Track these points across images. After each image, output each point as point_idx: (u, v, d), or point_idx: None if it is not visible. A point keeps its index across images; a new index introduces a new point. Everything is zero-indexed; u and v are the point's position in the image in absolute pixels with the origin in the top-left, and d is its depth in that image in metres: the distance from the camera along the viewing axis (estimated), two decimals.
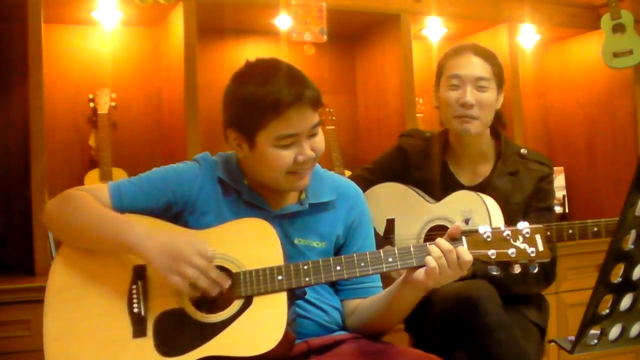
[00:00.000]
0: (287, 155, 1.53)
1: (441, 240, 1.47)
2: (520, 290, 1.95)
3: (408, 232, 2.08)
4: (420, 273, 1.48)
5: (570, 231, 1.94)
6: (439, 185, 2.09)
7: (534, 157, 2.10)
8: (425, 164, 2.12)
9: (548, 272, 2.00)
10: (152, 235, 1.46)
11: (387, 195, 2.12)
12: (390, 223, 2.10)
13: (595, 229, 1.94)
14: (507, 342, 1.70)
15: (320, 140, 1.59)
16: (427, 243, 1.49)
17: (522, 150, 2.10)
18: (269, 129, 1.51)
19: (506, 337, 1.71)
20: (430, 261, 1.45)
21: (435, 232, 2.01)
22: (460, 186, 2.08)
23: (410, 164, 2.15)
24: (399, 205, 2.09)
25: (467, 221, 1.90)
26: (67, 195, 1.58)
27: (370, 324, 1.64)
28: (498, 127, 2.13)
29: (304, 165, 1.55)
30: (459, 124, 2.02)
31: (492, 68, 2.05)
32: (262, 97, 1.49)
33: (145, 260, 1.46)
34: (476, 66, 2.03)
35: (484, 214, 1.88)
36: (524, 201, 2.03)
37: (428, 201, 2.07)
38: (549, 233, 1.94)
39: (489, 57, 2.07)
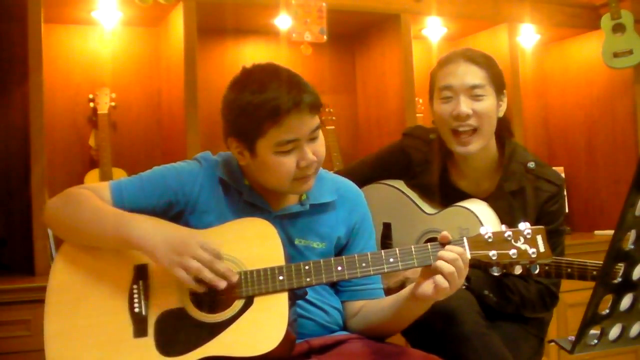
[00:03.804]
0: (289, 161, 1.53)
1: (444, 253, 1.45)
2: (514, 312, 1.88)
3: (405, 240, 2.02)
4: (428, 289, 1.46)
5: (569, 270, 1.86)
6: (440, 192, 1.99)
7: (542, 174, 1.91)
8: (426, 169, 2.02)
9: (545, 299, 1.90)
10: (156, 229, 1.46)
11: (381, 197, 2.03)
12: (387, 227, 2.05)
13: (595, 272, 1.84)
14: (484, 351, 1.67)
15: (321, 144, 1.58)
16: (429, 244, 1.49)
17: (530, 164, 1.92)
18: (268, 136, 1.51)
19: (482, 345, 1.67)
20: (442, 282, 1.43)
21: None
22: (462, 195, 1.96)
23: (413, 167, 2.05)
24: (394, 211, 2.02)
25: None
26: (68, 193, 1.58)
27: (375, 329, 1.64)
28: (504, 135, 1.96)
29: (307, 170, 1.55)
30: (457, 146, 1.89)
31: (488, 73, 1.88)
32: (259, 106, 1.49)
33: (149, 255, 1.45)
34: (469, 73, 1.86)
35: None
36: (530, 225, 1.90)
37: (424, 211, 2.00)
38: (547, 268, 1.84)
39: (483, 62, 1.89)
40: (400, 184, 2.09)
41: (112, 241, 1.49)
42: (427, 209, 2.01)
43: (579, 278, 1.88)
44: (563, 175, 3.77)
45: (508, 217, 1.86)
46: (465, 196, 1.97)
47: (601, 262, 1.86)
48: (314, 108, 1.53)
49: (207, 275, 1.42)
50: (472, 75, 1.87)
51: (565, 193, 3.50)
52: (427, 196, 2.03)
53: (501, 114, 1.93)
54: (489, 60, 1.92)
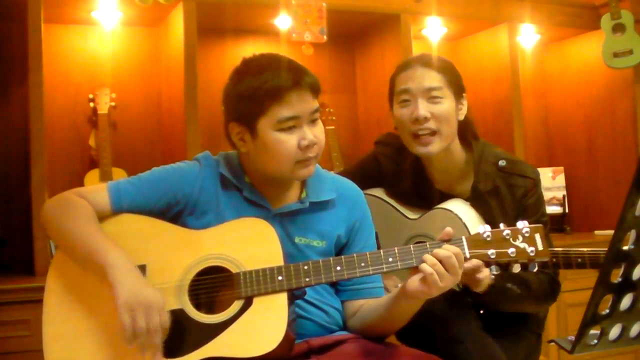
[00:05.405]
0: (290, 140, 1.53)
1: (438, 251, 1.46)
2: (512, 310, 1.87)
3: (392, 247, 2.02)
4: (418, 285, 1.46)
5: (554, 259, 1.89)
6: (420, 196, 1.99)
7: (514, 170, 1.92)
8: (402, 176, 2.02)
9: (554, 287, 1.91)
10: (131, 272, 1.42)
11: None
12: (375, 237, 2.06)
13: (580, 260, 1.88)
14: (477, 351, 1.66)
15: (321, 129, 1.59)
16: (427, 243, 1.50)
17: (501, 162, 1.92)
18: (270, 113, 1.52)
19: (475, 346, 1.67)
20: (427, 268, 1.44)
21: None
22: (442, 196, 1.96)
23: (386, 175, 2.06)
24: (378, 219, 1.97)
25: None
26: (64, 201, 1.55)
27: (372, 329, 1.64)
28: (469, 137, 1.97)
29: (308, 151, 1.55)
30: (417, 147, 1.89)
31: (445, 76, 1.89)
32: (260, 85, 1.52)
33: (112, 287, 1.40)
34: (426, 77, 1.88)
35: (465, 233, 1.80)
36: (510, 222, 1.80)
37: (407, 216, 2.00)
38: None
39: (440, 65, 1.91)
40: (380, 192, 2.09)
41: (90, 266, 1.46)
42: (410, 214, 2.01)
43: (565, 267, 1.92)
44: (563, 175, 3.78)
45: (488, 217, 1.86)
46: (445, 197, 1.97)
47: (584, 250, 1.90)
48: (314, 89, 1.56)
49: (142, 339, 1.37)
50: (429, 78, 1.88)
51: (565, 193, 3.50)
52: (408, 201, 2.03)
53: (462, 117, 1.94)
54: (447, 64, 1.94)
